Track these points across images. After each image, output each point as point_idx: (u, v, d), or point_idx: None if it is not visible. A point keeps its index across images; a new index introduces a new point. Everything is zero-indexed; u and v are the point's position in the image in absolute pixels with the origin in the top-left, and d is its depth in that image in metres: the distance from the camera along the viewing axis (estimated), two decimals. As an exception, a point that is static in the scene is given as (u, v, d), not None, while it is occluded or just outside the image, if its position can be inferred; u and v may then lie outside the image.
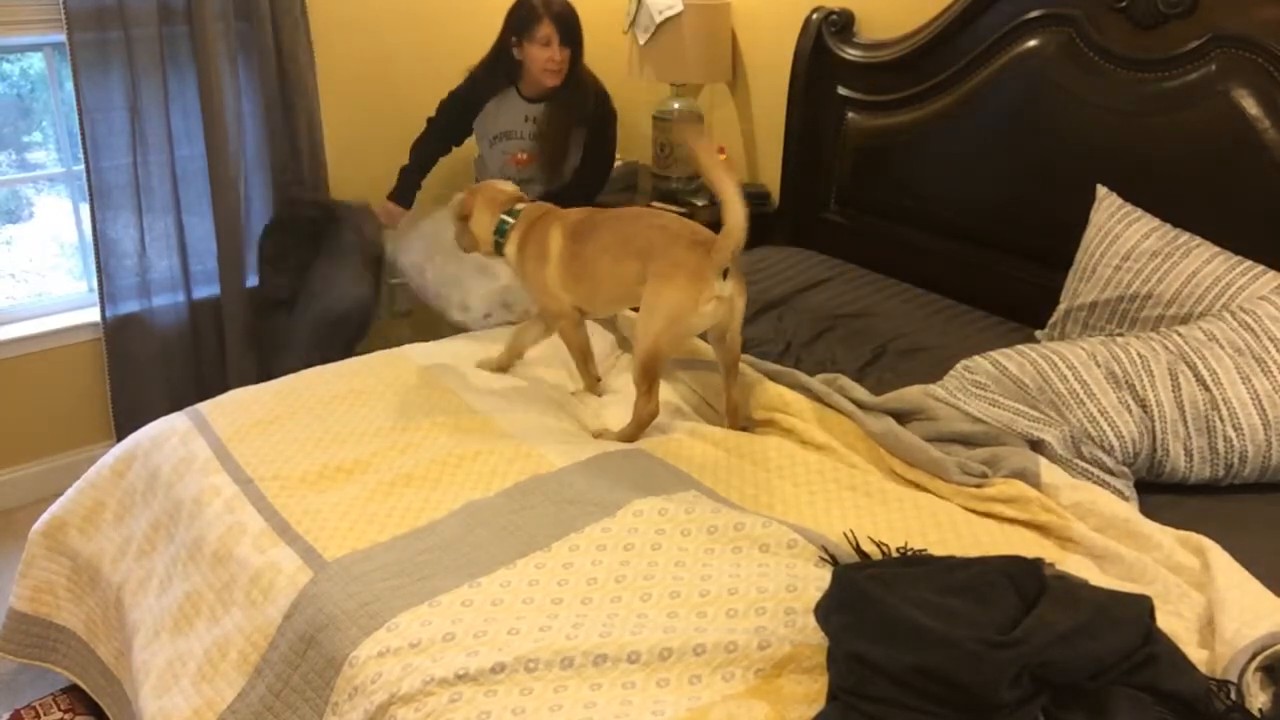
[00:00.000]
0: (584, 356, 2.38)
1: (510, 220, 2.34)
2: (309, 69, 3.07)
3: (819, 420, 2.18)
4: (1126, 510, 1.85)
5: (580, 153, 3.10)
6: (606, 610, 1.60)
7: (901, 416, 2.15)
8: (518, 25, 2.92)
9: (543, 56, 2.88)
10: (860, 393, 2.22)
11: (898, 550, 1.73)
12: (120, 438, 2.81)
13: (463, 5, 3.46)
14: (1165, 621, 1.51)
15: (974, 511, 1.91)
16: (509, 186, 2.43)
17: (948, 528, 1.85)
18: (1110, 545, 1.77)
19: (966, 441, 2.06)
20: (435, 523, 1.83)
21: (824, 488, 1.97)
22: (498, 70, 3.01)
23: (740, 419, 2.22)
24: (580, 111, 3.05)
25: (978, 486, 1.92)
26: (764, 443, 2.11)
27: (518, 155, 3.09)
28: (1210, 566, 1.69)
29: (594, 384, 2.40)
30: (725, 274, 2.06)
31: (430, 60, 3.44)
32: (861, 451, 2.10)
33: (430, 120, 3.17)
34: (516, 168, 3.12)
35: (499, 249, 2.36)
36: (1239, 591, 1.62)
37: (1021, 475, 1.91)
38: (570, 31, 2.90)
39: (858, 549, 1.74)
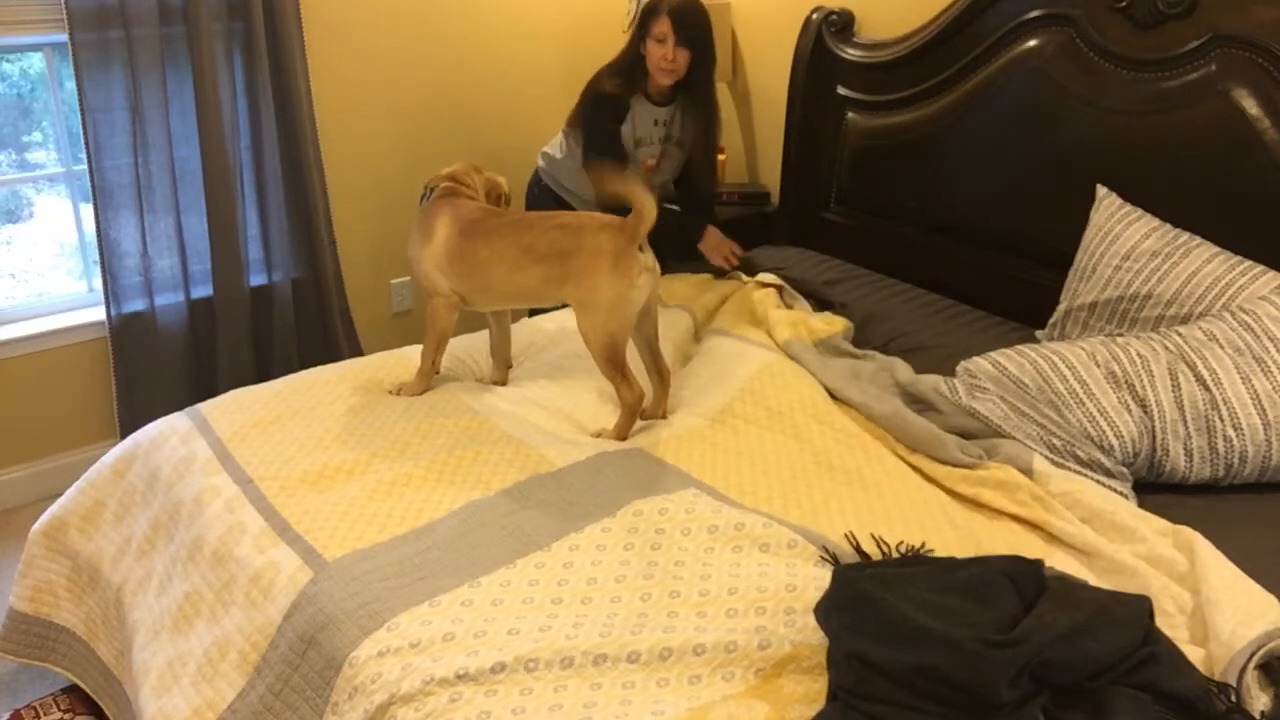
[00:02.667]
0: (441, 341, 2.34)
1: (426, 195, 2.41)
2: (303, 69, 3.07)
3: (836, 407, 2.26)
4: (1114, 503, 1.86)
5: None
6: (606, 610, 1.60)
7: (914, 404, 2.20)
8: (643, 19, 2.84)
9: (657, 54, 2.78)
10: (903, 372, 2.33)
11: (898, 549, 1.74)
12: (125, 437, 2.82)
13: (459, 4, 3.46)
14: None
15: (963, 497, 1.95)
16: (462, 168, 2.45)
17: (942, 519, 1.88)
18: (1093, 540, 1.78)
19: (966, 436, 2.10)
20: (435, 522, 1.83)
21: (820, 483, 1.99)
22: (631, 72, 2.87)
23: (666, 392, 2.29)
24: (715, 117, 2.97)
25: (971, 468, 1.97)
26: (761, 440, 2.12)
27: (646, 161, 2.99)
28: (1200, 564, 1.69)
29: (430, 373, 2.36)
30: (642, 246, 2.14)
31: (425, 59, 3.44)
32: (869, 431, 2.19)
33: (596, 155, 2.90)
34: (647, 175, 3.01)
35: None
36: (1232, 591, 1.62)
37: (1014, 462, 1.97)
38: (690, 32, 2.77)
39: (858, 549, 1.74)
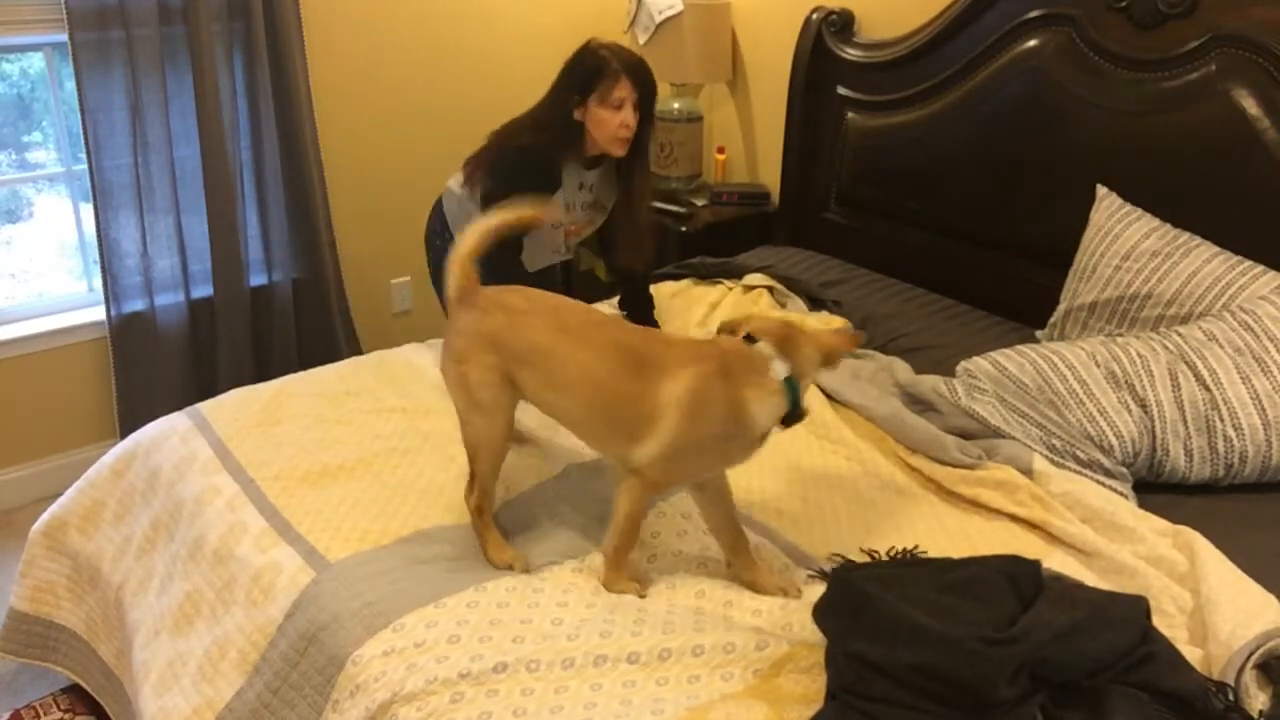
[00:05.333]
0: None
1: None
2: (303, 69, 3.06)
3: (832, 410, 2.24)
4: (1114, 503, 1.86)
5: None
6: (607, 613, 1.61)
7: (914, 405, 2.20)
8: (583, 81, 2.36)
9: (614, 122, 2.34)
10: (903, 372, 2.30)
11: (888, 554, 1.74)
12: (125, 437, 2.82)
13: (460, 5, 3.46)
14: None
15: (963, 498, 1.94)
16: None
17: (932, 520, 1.89)
18: (1093, 540, 1.78)
19: (966, 436, 2.10)
20: (441, 527, 1.83)
21: (815, 490, 1.99)
22: (565, 136, 2.41)
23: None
24: (647, 180, 2.57)
25: (971, 469, 1.97)
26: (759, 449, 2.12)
27: (568, 229, 2.59)
28: (1200, 564, 1.69)
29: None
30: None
31: (426, 59, 3.44)
32: (866, 438, 2.16)
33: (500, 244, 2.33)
34: (565, 241, 2.63)
35: None
36: (1232, 591, 1.62)
37: (1014, 463, 1.96)
38: (647, 93, 2.38)
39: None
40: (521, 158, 2.40)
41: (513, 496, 1.93)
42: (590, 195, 2.56)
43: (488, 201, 2.37)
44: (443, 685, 1.45)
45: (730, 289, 2.85)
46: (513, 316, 1.70)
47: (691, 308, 2.77)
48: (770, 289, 2.78)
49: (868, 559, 1.74)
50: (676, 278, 2.98)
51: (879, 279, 2.95)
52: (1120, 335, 2.23)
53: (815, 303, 2.77)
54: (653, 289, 2.76)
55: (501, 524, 1.83)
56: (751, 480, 1.99)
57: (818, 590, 1.52)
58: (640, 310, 2.70)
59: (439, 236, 2.64)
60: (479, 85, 3.60)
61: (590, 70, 2.36)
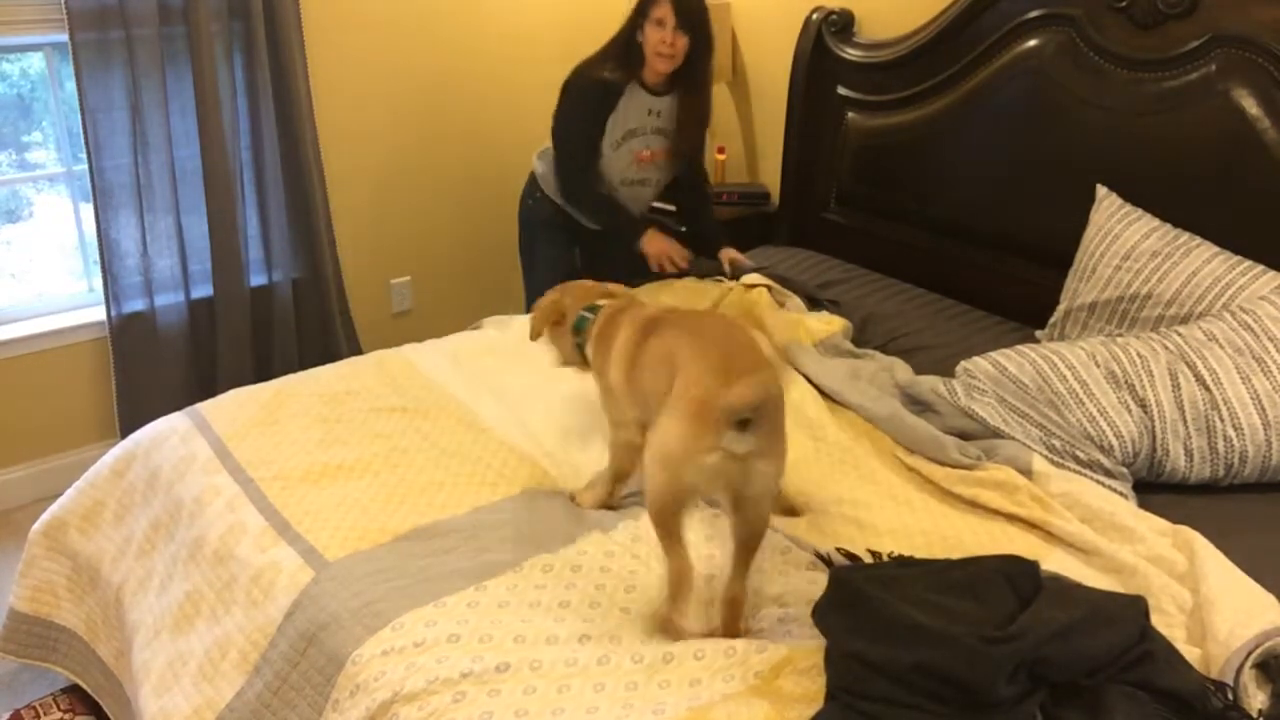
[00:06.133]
0: (617, 479, 1.93)
1: (590, 316, 1.97)
2: (303, 69, 3.06)
3: (830, 413, 2.24)
4: (1113, 503, 1.86)
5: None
6: (610, 615, 1.61)
7: (913, 405, 2.20)
8: (641, 4, 2.72)
9: (655, 38, 2.67)
10: (903, 373, 2.31)
11: (889, 555, 1.74)
12: (125, 436, 2.81)
13: (459, 5, 3.46)
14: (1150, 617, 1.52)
15: (962, 498, 1.94)
16: (591, 284, 2.09)
17: (928, 522, 1.89)
18: (1093, 539, 1.78)
19: (965, 437, 2.10)
20: (439, 524, 1.84)
21: (814, 491, 1.99)
22: (627, 58, 2.75)
23: (739, 619, 1.62)
24: (709, 107, 2.87)
25: (970, 469, 1.97)
26: None
27: (641, 153, 2.86)
28: (1199, 564, 1.69)
29: (605, 497, 1.94)
30: (746, 424, 1.51)
31: (425, 59, 3.44)
32: (864, 439, 2.16)
33: (566, 146, 2.83)
34: (638, 167, 2.89)
35: (581, 351, 1.98)
36: (1231, 590, 1.62)
37: (1013, 463, 1.96)
38: (690, 16, 2.67)
39: (849, 556, 1.75)
40: (584, 80, 2.77)
41: (497, 499, 1.94)
42: (659, 121, 2.84)
43: (556, 120, 2.82)
44: (444, 684, 1.45)
45: (731, 288, 2.83)
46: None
47: (697, 303, 2.74)
48: (769, 288, 2.78)
49: (870, 557, 1.74)
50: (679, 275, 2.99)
51: (879, 279, 2.95)
52: (1120, 335, 2.23)
53: (814, 302, 2.77)
54: (660, 288, 2.83)
55: (502, 523, 1.83)
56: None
57: (817, 591, 1.52)
58: (699, 219, 3.09)
59: (530, 197, 3.00)
60: (479, 85, 3.60)
61: None
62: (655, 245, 2.84)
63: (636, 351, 1.79)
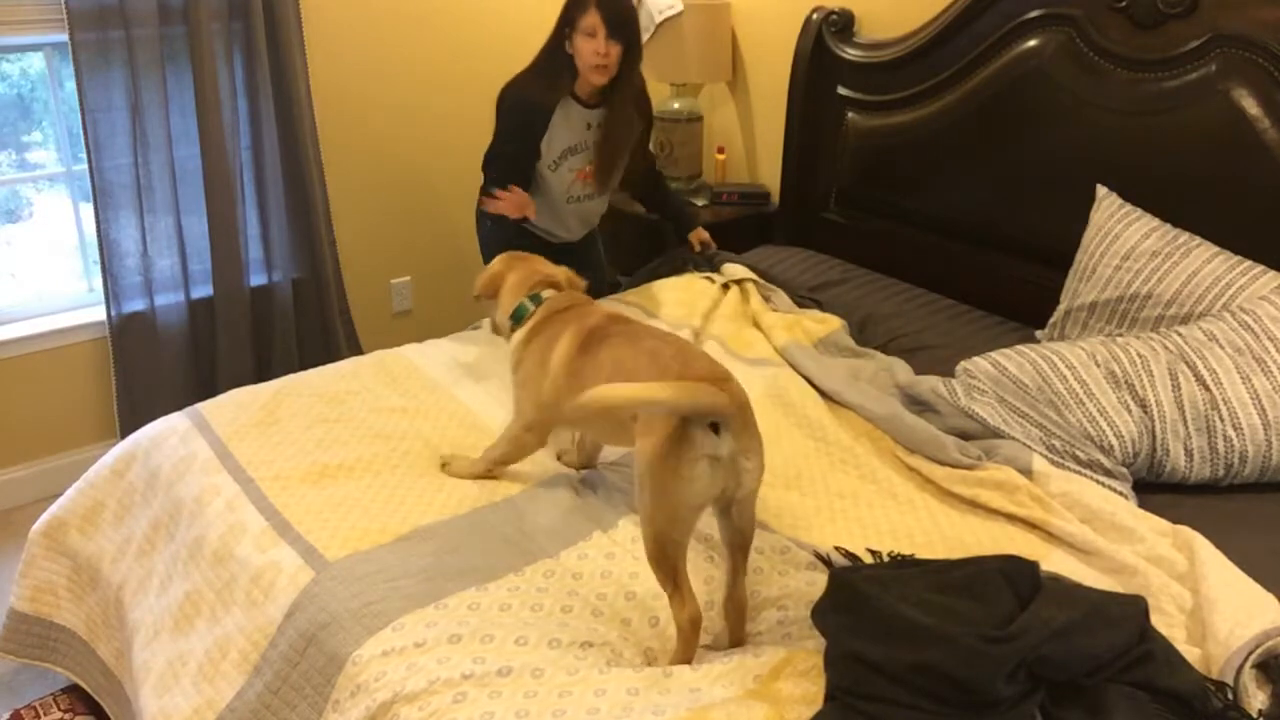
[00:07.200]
0: (499, 463, 2.00)
1: (530, 306, 2.01)
2: (303, 69, 3.06)
3: (831, 413, 2.24)
4: (1113, 503, 1.86)
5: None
6: (612, 618, 1.61)
7: (913, 405, 2.20)
8: (565, 15, 2.60)
9: (588, 50, 2.53)
10: (903, 373, 2.30)
11: (888, 555, 1.74)
12: (125, 436, 2.81)
13: (459, 5, 3.46)
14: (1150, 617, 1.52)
15: (962, 498, 1.94)
16: (548, 267, 2.12)
17: (928, 522, 1.90)
18: (1093, 539, 1.78)
19: (965, 437, 2.10)
20: (439, 525, 1.84)
21: (814, 492, 1.99)
22: (557, 72, 2.62)
23: (745, 622, 1.65)
24: (645, 116, 2.78)
25: (970, 469, 1.97)
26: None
27: (583, 170, 2.73)
28: (1199, 564, 1.69)
29: (475, 475, 2.01)
30: (717, 428, 1.53)
31: (425, 59, 3.44)
32: (864, 438, 2.16)
33: (488, 171, 2.72)
34: (582, 184, 2.76)
35: (510, 333, 2.03)
36: (1231, 590, 1.62)
37: (1013, 463, 1.96)
38: (619, 23, 2.53)
39: (849, 555, 1.75)
40: (514, 102, 2.64)
41: (497, 500, 1.94)
42: (596, 134, 2.70)
43: (495, 137, 2.69)
44: (445, 685, 1.45)
45: (719, 284, 2.81)
46: None
47: (697, 301, 2.73)
48: (754, 282, 2.79)
49: (870, 557, 1.74)
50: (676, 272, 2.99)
51: (879, 279, 2.95)
52: (1120, 335, 2.23)
53: (800, 300, 2.78)
54: (653, 287, 2.80)
55: (503, 524, 1.83)
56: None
57: (815, 592, 1.52)
58: (667, 207, 3.04)
59: (487, 219, 2.83)
60: (479, 85, 3.59)
61: (570, 3, 2.59)
62: (498, 205, 2.63)
63: (582, 360, 1.83)
